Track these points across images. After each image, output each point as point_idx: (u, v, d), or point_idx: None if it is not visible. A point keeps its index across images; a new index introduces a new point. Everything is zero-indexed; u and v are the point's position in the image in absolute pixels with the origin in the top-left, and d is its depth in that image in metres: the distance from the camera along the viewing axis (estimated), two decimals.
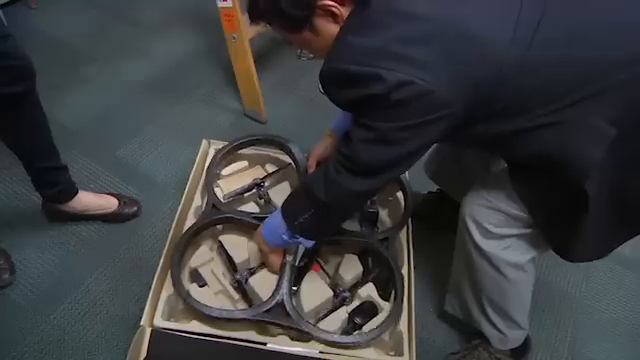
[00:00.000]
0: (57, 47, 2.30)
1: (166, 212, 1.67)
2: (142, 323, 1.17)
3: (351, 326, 1.26)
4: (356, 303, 1.30)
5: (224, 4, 1.76)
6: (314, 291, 1.31)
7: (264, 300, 1.24)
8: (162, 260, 1.29)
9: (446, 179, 1.55)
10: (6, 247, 1.50)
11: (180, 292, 1.22)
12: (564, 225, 1.03)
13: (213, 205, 1.41)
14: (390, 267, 1.32)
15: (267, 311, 1.21)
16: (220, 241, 1.40)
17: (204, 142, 1.58)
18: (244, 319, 1.21)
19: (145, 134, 1.95)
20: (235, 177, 1.53)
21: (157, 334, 1.16)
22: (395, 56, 0.84)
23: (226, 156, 1.54)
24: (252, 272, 1.33)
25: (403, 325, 1.25)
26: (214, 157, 1.52)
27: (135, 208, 1.65)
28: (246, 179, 1.51)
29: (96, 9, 2.56)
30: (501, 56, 0.85)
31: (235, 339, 1.18)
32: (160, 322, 1.19)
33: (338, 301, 1.31)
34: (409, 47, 0.84)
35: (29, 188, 1.50)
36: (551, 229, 1.08)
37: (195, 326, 1.20)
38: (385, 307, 1.29)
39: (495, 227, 1.12)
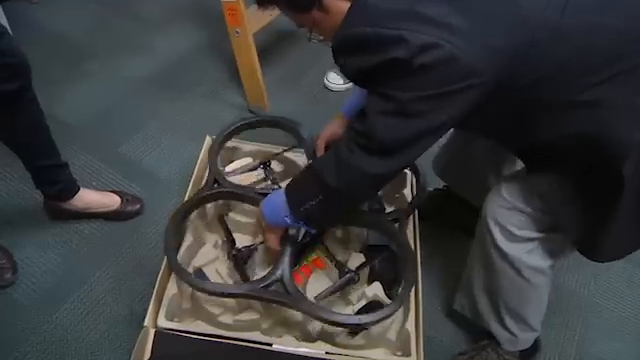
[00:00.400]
0: (58, 42, 2.27)
1: (170, 209, 1.64)
2: (146, 324, 1.16)
3: None
4: (363, 303, 1.28)
5: None
6: (321, 289, 1.29)
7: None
8: (166, 258, 1.27)
9: (454, 177, 1.52)
10: (8, 246, 1.49)
11: (172, 264, 1.17)
12: (591, 220, 0.97)
13: (215, 180, 1.35)
14: (401, 244, 1.26)
15: (265, 287, 1.14)
16: (222, 216, 1.35)
17: (208, 138, 1.56)
18: (239, 294, 1.15)
19: (148, 130, 1.93)
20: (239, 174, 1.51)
21: (161, 335, 1.15)
22: (419, 16, 0.77)
23: (233, 134, 1.48)
24: (253, 250, 1.28)
25: (410, 324, 1.23)
26: (221, 133, 1.46)
27: (138, 206, 1.63)
28: (251, 177, 1.49)
29: (97, 4, 2.53)
30: (536, 20, 0.79)
31: (240, 340, 1.17)
32: (164, 322, 1.18)
33: (344, 281, 1.25)
34: (435, 7, 0.77)
35: (31, 186, 1.48)
36: (577, 227, 1.01)
37: (199, 327, 1.19)
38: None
39: (518, 229, 1.08)
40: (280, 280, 1.16)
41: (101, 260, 1.52)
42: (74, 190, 1.51)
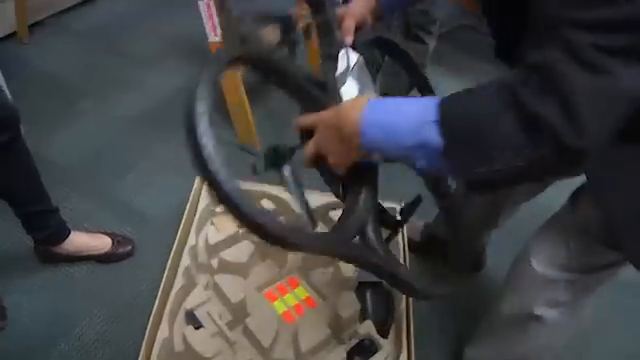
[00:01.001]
0: (50, 82, 2.30)
1: (161, 250, 1.64)
2: None
3: None
4: (355, 341, 1.27)
5: (215, 39, 1.77)
6: (313, 328, 1.28)
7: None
8: (157, 301, 1.27)
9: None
10: None
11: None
12: None
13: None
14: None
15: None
16: None
17: (198, 179, 1.57)
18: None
19: (139, 170, 1.94)
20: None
21: None
22: None
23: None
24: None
25: None
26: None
27: (129, 247, 1.63)
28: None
29: (88, 42, 2.57)
30: None
31: None
32: None
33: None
34: None
35: (21, 230, 1.47)
36: None
37: None
38: (384, 344, 1.27)
39: (562, 295, 1.01)
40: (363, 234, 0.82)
41: (92, 303, 1.50)
42: (65, 234, 1.51)
